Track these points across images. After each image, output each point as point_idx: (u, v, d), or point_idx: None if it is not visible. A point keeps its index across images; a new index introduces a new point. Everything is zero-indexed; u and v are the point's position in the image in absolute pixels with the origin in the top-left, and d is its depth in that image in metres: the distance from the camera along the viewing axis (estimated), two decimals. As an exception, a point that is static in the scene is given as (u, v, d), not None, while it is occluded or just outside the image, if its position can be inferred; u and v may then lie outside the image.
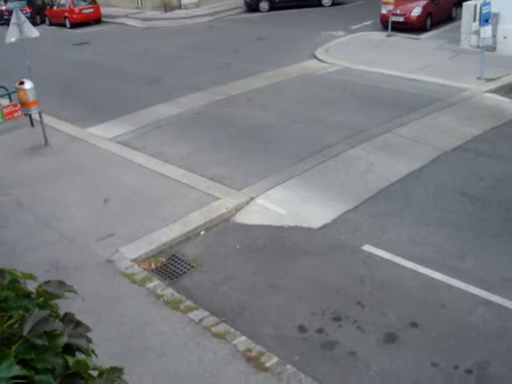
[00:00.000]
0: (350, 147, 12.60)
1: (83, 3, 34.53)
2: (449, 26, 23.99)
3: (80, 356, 2.24)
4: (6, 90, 16.64)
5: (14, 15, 13.81)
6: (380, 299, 7.86)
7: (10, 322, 2.16)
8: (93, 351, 2.37)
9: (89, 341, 2.35)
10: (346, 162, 11.97)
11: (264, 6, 32.52)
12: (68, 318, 2.33)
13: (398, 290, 8.01)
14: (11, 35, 13.95)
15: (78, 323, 2.35)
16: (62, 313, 2.35)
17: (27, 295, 2.29)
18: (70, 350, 2.22)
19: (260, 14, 31.90)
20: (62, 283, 2.42)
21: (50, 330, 2.12)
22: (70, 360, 2.15)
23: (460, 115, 14.22)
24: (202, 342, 7.24)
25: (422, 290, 7.97)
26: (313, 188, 11.08)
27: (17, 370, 1.90)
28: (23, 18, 13.96)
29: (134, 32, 31.07)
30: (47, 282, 2.41)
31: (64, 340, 2.16)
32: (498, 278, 8.07)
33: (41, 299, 2.32)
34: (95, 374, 2.22)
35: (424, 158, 11.89)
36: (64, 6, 34.87)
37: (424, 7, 23.49)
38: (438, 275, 8.19)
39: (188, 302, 7.99)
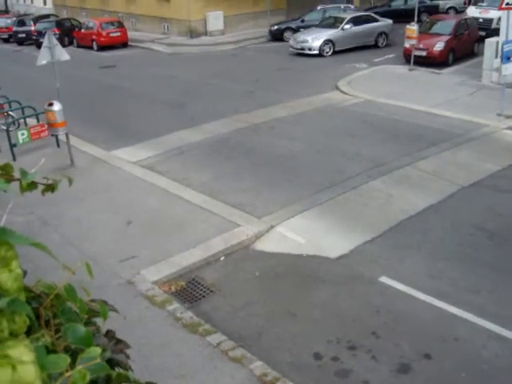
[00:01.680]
0: (370, 179, 12.80)
1: (111, 27, 35.18)
2: (471, 62, 24.20)
3: (120, 370, 2.46)
4: (34, 110, 17.05)
5: (46, 38, 14.19)
6: (395, 330, 8.00)
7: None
8: (130, 367, 2.59)
9: (127, 357, 2.58)
10: (366, 194, 12.17)
11: (288, 35, 32.93)
12: (110, 335, 2.56)
13: (413, 322, 8.15)
14: (42, 58, 14.35)
15: (119, 340, 2.57)
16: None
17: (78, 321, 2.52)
18: (111, 364, 2.44)
19: (284, 43, 32.29)
20: (104, 302, 2.65)
21: (97, 345, 2.34)
22: (113, 373, 2.37)
23: (479, 151, 14.38)
24: (219, 366, 7.42)
25: (436, 323, 8.11)
26: (332, 218, 11.28)
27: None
28: (55, 41, 14.35)
29: (159, 57, 31.61)
30: (92, 301, 2.64)
31: (107, 355, 2.38)
32: (511, 313, 8.20)
33: (86, 316, 2.55)
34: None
35: (442, 193, 12.05)
36: (92, 28, 35.55)
37: (447, 42, 23.77)
38: (452, 309, 8.32)
39: (206, 326, 8.17)
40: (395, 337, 7.86)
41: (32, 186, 1.43)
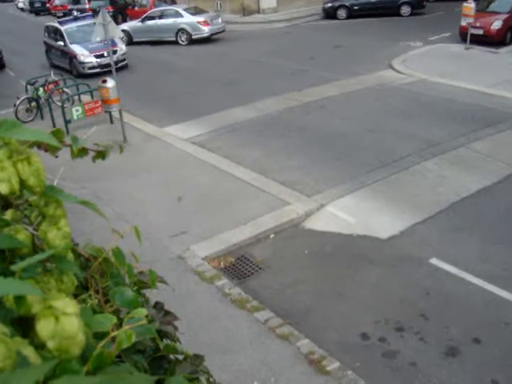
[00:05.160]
0: (422, 160, 12.61)
1: (164, 4, 35.29)
2: (530, 41, 23.53)
3: (168, 341, 2.49)
4: (89, 87, 17.32)
5: (100, 15, 14.37)
6: (444, 313, 7.91)
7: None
8: (178, 339, 2.61)
9: (175, 328, 2.60)
10: (418, 175, 11.99)
11: (342, 13, 32.58)
12: (159, 307, 2.59)
13: (463, 305, 8.04)
14: (97, 35, 14.55)
15: (167, 312, 2.60)
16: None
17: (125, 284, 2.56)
18: (159, 335, 2.47)
19: (337, 21, 31.96)
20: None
21: (146, 315, 2.37)
22: (161, 344, 2.40)
23: (537, 133, 14.00)
24: (267, 342, 7.47)
25: (486, 307, 7.98)
26: (383, 198, 11.17)
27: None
28: (109, 18, 14.52)
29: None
30: (141, 272, 2.67)
31: (156, 326, 2.41)
32: None
33: (135, 287, 2.58)
34: (179, 359, 2.45)
35: (497, 175, 11.79)
36: (145, 6, 35.73)
37: (504, 21, 23.10)
38: (504, 293, 8.17)
39: (254, 303, 8.23)
40: (444, 319, 7.77)
41: (83, 152, 1.44)
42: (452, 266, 8.85)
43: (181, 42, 29.15)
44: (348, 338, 7.58)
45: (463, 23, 23.02)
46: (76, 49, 23.60)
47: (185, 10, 30.12)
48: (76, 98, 17.79)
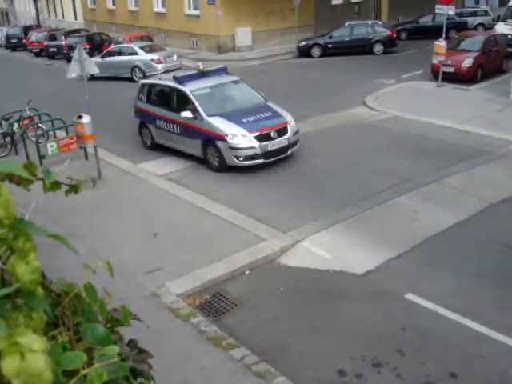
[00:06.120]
0: (396, 195, 12.71)
1: (141, 42, 35.49)
2: (499, 78, 24.02)
3: (142, 380, 2.44)
4: (64, 122, 17.24)
5: (76, 52, 14.41)
6: (420, 348, 7.89)
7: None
8: (152, 377, 2.56)
9: (150, 367, 2.55)
10: (393, 210, 12.07)
11: (316, 51, 33.03)
12: (133, 344, 2.54)
13: (439, 340, 8.03)
14: (73, 71, 14.57)
15: (141, 350, 2.55)
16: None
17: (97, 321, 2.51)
18: (133, 373, 2.42)
19: (312, 59, 32.36)
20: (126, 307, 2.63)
21: (119, 353, 2.32)
22: (134, 383, 2.34)
23: (508, 168, 14.21)
24: (243, 380, 7.37)
25: (462, 342, 7.98)
26: (358, 234, 11.20)
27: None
28: (85, 55, 14.55)
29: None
30: (115, 310, 2.63)
31: (129, 364, 2.36)
32: (541, 333, 8.04)
33: (109, 325, 2.53)
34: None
35: (470, 210, 11.91)
36: (121, 43, 35.88)
37: (475, 59, 23.62)
38: (479, 327, 8.18)
39: (230, 340, 8.14)
40: (421, 355, 7.75)
41: (55, 185, 1.41)
42: (427, 301, 8.86)
43: (136, 79, 29.37)
44: (325, 375, 7.51)
45: (435, 61, 23.48)
46: (221, 125, 14.83)
47: (140, 47, 30.48)
48: (51, 133, 17.69)
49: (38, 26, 55.30)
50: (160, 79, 17.58)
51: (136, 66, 29.39)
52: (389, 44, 32.73)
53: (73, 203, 12.99)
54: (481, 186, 13.08)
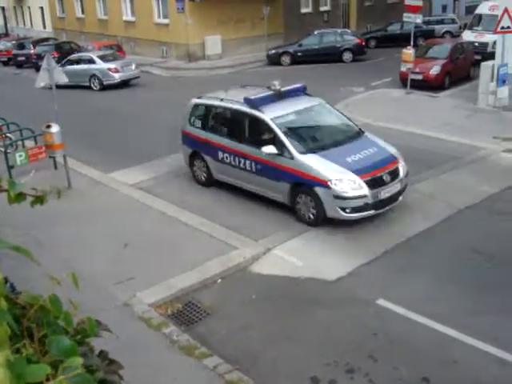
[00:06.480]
0: (366, 202, 12.76)
1: (110, 51, 35.32)
2: (467, 85, 24.34)
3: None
4: (32, 132, 17.06)
5: (44, 61, 14.28)
6: (392, 353, 7.94)
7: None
8: (123, 388, 2.54)
9: (121, 378, 2.53)
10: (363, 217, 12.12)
11: (286, 59, 33.22)
12: (103, 355, 2.52)
13: (411, 345, 8.09)
14: (41, 80, 14.43)
15: (112, 361, 2.53)
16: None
17: (67, 332, 2.49)
18: (104, 385, 2.39)
19: (281, 67, 32.50)
20: (98, 322, 2.61)
21: (89, 365, 2.30)
22: (104, 393, 2.32)
23: (476, 174, 14.40)
24: (216, 389, 7.34)
25: (434, 346, 8.05)
26: (329, 241, 11.24)
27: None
28: (54, 64, 14.44)
29: (158, 80, 31.72)
30: (83, 321, 2.60)
31: (100, 375, 2.34)
32: (510, 336, 8.14)
33: (79, 336, 2.51)
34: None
35: (440, 215, 12.03)
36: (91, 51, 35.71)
37: (443, 66, 23.96)
38: (450, 331, 8.26)
39: (203, 349, 8.10)
40: (393, 360, 7.79)
41: (21, 197, 1.40)
42: (399, 307, 8.92)
43: (94, 88, 29.53)
44: (298, 382, 7.52)
45: (403, 69, 23.75)
46: (320, 166, 11.58)
47: (98, 56, 30.59)
48: (20, 143, 17.50)
49: (6, 34, 54.87)
50: (222, 100, 13.79)
51: (94, 75, 29.54)
52: (358, 52, 33.07)
53: (42, 213, 12.84)
54: (450, 191, 13.22)
